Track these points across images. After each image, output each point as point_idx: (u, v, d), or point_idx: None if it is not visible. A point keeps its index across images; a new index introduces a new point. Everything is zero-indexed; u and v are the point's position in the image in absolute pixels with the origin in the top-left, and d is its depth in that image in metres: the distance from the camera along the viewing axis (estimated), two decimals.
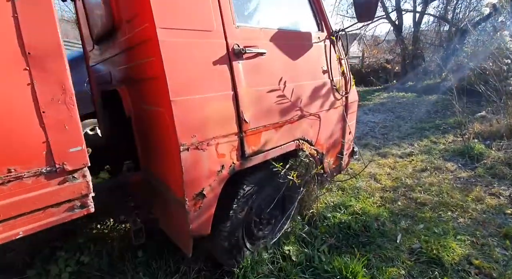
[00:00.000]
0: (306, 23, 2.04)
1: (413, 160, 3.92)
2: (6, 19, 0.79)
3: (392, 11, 13.50)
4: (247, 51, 1.49)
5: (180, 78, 1.28)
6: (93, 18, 1.96)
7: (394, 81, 13.96)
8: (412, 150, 4.36)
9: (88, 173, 1.04)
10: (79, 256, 2.03)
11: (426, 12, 12.46)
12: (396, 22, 13.33)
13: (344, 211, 2.52)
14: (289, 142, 1.85)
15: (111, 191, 1.73)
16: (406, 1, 13.03)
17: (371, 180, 3.25)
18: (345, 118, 2.29)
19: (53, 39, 0.88)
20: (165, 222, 1.80)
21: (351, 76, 2.31)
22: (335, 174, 2.44)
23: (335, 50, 2.15)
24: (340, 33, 2.14)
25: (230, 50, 1.45)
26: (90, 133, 3.75)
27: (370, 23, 14.68)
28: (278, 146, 1.78)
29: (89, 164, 1.04)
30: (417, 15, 12.78)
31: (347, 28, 2.16)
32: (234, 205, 1.73)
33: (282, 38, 1.74)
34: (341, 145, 2.37)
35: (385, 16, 13.54)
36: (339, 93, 2.16)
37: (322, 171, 2.15)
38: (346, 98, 2.27)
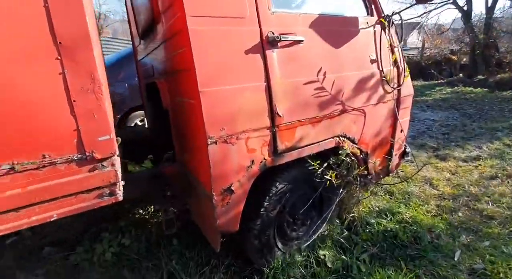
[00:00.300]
0: (354, 6, 1.83)
1: (480, 165, 3.38)
2: (38, 8, 0.81)
3: None
4: (282, 39, 1.37)
5: (210, 68, 1.23)
6: (139, 13, 2.03)
7: (460, 74, 12.35)
8: (480, 154, 3.76)
9: (117, 162, 1.06)
10: (121, 238, 2.16)
11: None
12: (465, 8, 11.70)
13: (390, 218, 2.26)
14: (328, 138, 1.69)
15: (149, 180, 1.79)
16: None
17: (426, 186, 2.88)
18: (396, 114, 2.03)
19: (82, 30, 0.89)
20: (197, 215, 1.80)
21: (406, 66, 2.03)
22: (381, 176, 2.19)
23: (386, 36, 1.91)
24: (393, 17, 1.88)
25: (264, 38, 1.36)
26: (139, 123, 4.01)
27: (433, 9, 13.17)
28: (315, 143, 1.64)
29: (118, 153, 1.06)
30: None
31: (401, 11, 1.89)
32: (265, 203, 1.65)
33: (324, 24, 1.58)
34: (390, 144, 2.11)
35: (451, 1, 12.00)
36: (389, 86, 1.92)
37: (365, 172, 1.94)
38: (399, 91, 2.01)
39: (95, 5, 17.36)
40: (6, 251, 2.23)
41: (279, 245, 1.86)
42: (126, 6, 2.40)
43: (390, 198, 2.60)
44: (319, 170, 1.69)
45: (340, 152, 1.73)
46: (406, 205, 2.46)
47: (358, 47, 1.73)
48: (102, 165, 1.03)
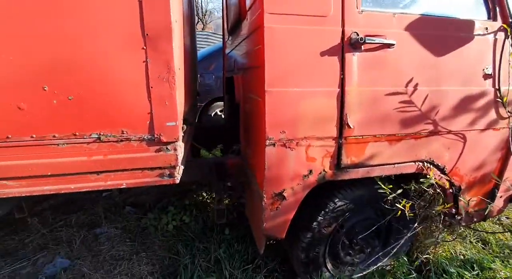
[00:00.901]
0: (473, 8, 1.49)
1: None
2: (133, 3, 0.93)
3: None
4: (367, 41, 1.22)
5: (280, 68, 1.19)
6: (230, 10, 2.14)
7: None
8: None
9: (179, 147, 1.14)
10: (183, 215, 2.38)
11: None
12: None
13: (477, 273, 1.80)
14: (408, 162, 1.44)
15: (212, 168, 1.90)
16: None
17: None
18: (510, 146, 1.58)
19: (166, 22, 0.98)
20: (249, 211, 1.82)
21: None
22: (475, 219, 1.76)
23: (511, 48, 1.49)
24: None
25: (346, 39, 1.23)
26: (219, 113, 4.32)
27: None
28: (390, 164, 1.42)
29: (181, 139, 1.14)
30: None
31: None
32: (320, 218, 1.53)
33: (425, 26, 1.33)
34: (495, 183, 1.66)
35: None
36: (506, 110, 1.50)
37: (454, 210, 1.59)
38: None
39: (203, 2, 19.39)
40: (101, 201, 2.74)
41: (329, 266, 1.72)
42: (222, 3, 2.58)
43: (483, 248, 2.07)
44: (390, 196, 1.47)
45: (422, 180, 1.45)
46: (503, 262, 1.92)
47: (469, 57, 1.41)
48: (167, 148, 1.12)
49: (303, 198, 1.37)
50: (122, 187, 1.16)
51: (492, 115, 1.49)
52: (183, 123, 1.33)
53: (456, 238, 2.07)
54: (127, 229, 2.34)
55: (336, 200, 1.53)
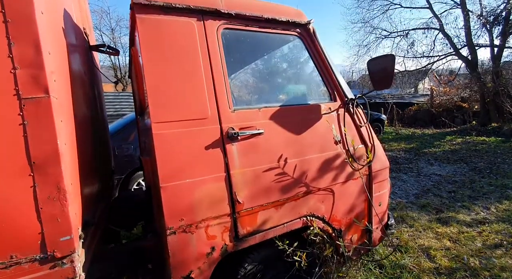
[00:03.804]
0: (318, 93, 2.04)
1: (484, 230, 3.19)
2: (17, 133, 1.04)
3: (462, 48, 12.36)
4: (240, 134, 1.55)
5: (171, 165, 1.40)
6: (135, 92, 2.34)
7: (474, 121, 12.21)
8: (486, 216, 3.58)
9: (76, 259, 1.18)
10: None
11: (506, 45, 10.99)
12: (469, 57, 12.07)
13: None
14: (294, 219, 1.75)
15: (130, 254, 1.88)
16: (480, 35, 11.76)
17: (422, 257, 2.73)
18: (370, 189, 2.08)
19: (53, 149, 1.10)
20: None
21: (375, 142, 2.13)
22: (362, 252, 2.15)
23: (352, 118, 2.06)
24: (357, 100, 2.06)
25: (224, 133, 1.54)
26: (142, 182, 4.21)
27: (436, 61, 13.64)
28: (280, 225, 1.70)
29: (78, 249, 1.18)
30: (496, 49, 11.37)
31: (365, 94, 2.08)
32: None
33: (284, 114, 1.77)
34: (367, 219, 2.12)
35: (453, 52, 12.47)
36: (358, 163, 2.01)
37: (341, 250, 1.93)
38: (369, 167, 2.09)
39: (122, 61, 19.23)
40: None
41: None
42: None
43: (380, 272, 2.48)
44: (289, 250, 1.73)
45: (308, 232, 1.77)
46: None
47: (320, 131, 1.89)
48: (62, 262, 1.15)
49: (210, 274, 1.50)
50: None
51: (349, 169, 1.97)
52: (84, 227, 1.38)
53: (360, 268, 2.44)
54: None
55: (246, 265, 1.71)
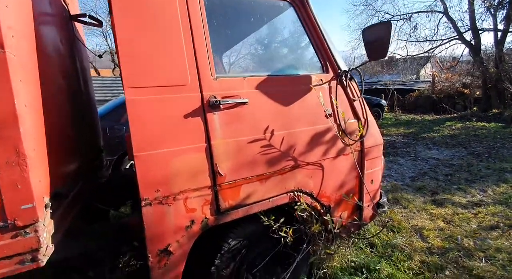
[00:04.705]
0: (311, 65, 1.93)
1: (480, 212, 3.15)
2: None
3: (466, 32, 12.04)
4: (222, 103, 1.45)
5: (146, 133, 1.31)
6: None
7: (475, 108, 12.06)
8: (483, 199, 3.53)
9: (40, 229, 1.10)
10: None
11: (510, 30, 10.67)
12: (472, 42, 11.78)
13: (366, 276, 2.11)
14: (280, 194, 1.68)
15: (116, 233, 1.83)
16: (484, 19, 11.42)
17: (415, 237, 2.69)
18: (362, 165, 2.00)
19: (9, 108, 1.00)
20: None
21: (368, 117, 2.03)
22: (352, 229, 2.09)
23: (345, 91, 1.95)
24: (350, 72, 1.95)
25: (205, 102, 1.44)
26: (127, 168, 4.15)
27: (439, 45, 13.34)
28: (265, 199, 1.63)
29: (40, 220, 1.11)
30: (499, 33, 11.06)
31: (357, 67, 1.96)
32: (217, 261, 1.61)
33: (272, 84, 1.66)
34: (358, 196, 2.05)
35: (457, 37, 12.16)
36: (350, 138, 1.92)
37: (329, 226, 1.87)
38: (361, 142, 2.00)
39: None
40: None
41: None
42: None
43: (371, 251, 2.44)
44: (275, 226, 1.66)
45: (295, 207, 1.70)
46: (387, 260, 2.29)
47: (311, 103, 1.78)
48: (25, 232, 1.08)
49: (190, 248, 1.44)
50: None
51: (340, 144, 1.88)
52: (55, 198, 1.30)
53: (351, 246, 2.40)
54: None
55: (229, 240, 1.65)
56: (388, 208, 2.28)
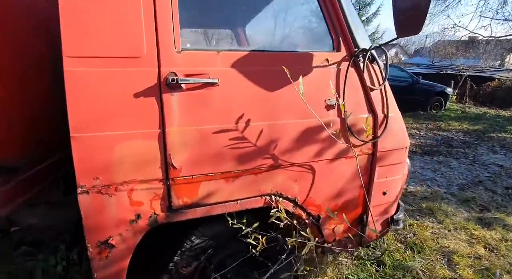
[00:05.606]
0: (314, 38, 1.52)
1: None
2: None
3: None
4: (182, 81, 1.19)
5: (87, 112, 1.13)
6: None
7: None
8: None
9: None
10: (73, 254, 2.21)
11: None
12: None
13: None
14: (253, 197, 1.41)
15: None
16: None
17: (440, 262, 2.21)
18: (370, 172, 1.60)
19: None
20: None
21: (390, 113, 1.58)
22: (350, 246, 1.74)
23: (360, 76, 1.52)
24: (370, 51, 1.49)
25: (163, 79, 1.20)
26: None
27: None
28: (232, 201, 1.38)
29: None
30: None
31: (382, 45, 1.49)
32: (176, 258, 1.46)
33: (255, 63, 1.33)
34: (362, 209, 1.67)
35: None
36: (356, 138, 1.51)
37: (313, 241, 1.56)
38: (374, 144, 1.58)
39: None
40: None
41: None
42: None
43: (377, 270, 2.07)
44: (245, 231, 1.43)
45: (270, 213, 1.42)
46: None
47: (308, 90, 1.40)
48: None
49: (136, 243, 1.29)
50: None
51: (340, 144, 1.50)
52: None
53: (352, 262, 2.07)
54: (13, 273, 2.15)
55: (193, 238, 1.47)
56: (403, 224, 1.85)
